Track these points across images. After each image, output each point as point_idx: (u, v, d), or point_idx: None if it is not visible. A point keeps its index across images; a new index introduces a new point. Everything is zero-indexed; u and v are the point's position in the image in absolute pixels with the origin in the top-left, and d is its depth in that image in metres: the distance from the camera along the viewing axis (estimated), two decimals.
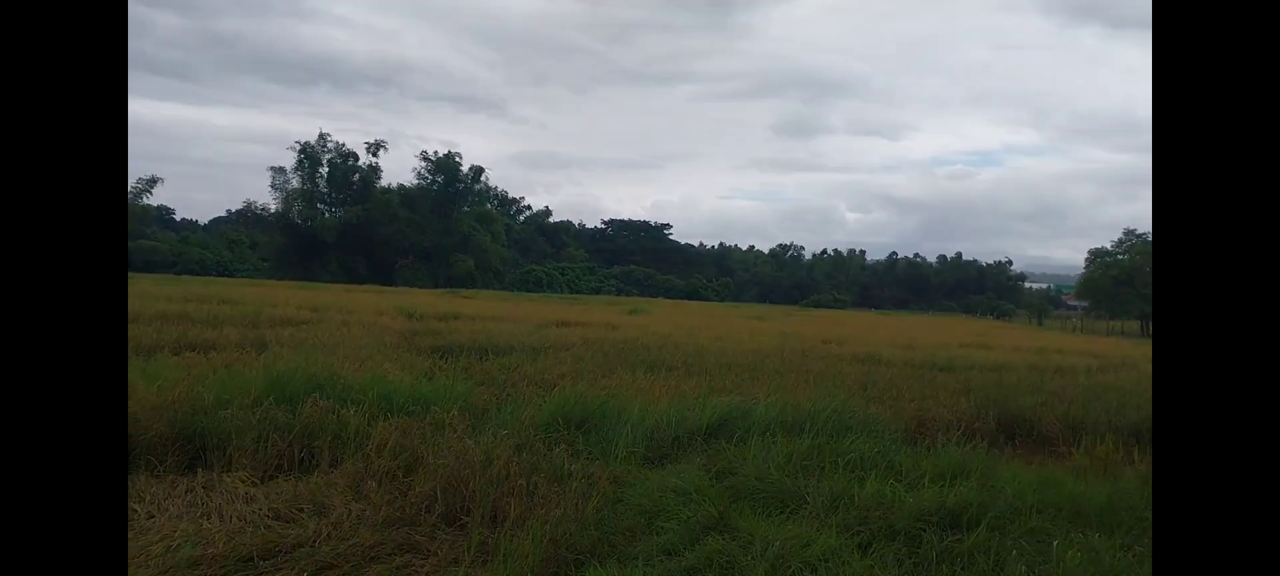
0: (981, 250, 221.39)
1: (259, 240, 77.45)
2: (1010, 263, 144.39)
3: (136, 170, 66.66)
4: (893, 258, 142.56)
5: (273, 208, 74.57)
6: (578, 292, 78.97)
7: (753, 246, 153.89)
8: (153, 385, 7.43)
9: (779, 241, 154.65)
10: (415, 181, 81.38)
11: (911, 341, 23.45)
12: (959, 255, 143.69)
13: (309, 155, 75.42)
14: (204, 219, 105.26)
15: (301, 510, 5.45)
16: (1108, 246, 63.59)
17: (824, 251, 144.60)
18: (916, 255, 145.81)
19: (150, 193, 63.81)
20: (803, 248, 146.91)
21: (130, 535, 4.78)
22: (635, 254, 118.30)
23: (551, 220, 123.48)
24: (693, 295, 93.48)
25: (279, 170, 74.60)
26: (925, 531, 5.23)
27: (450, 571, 4.78)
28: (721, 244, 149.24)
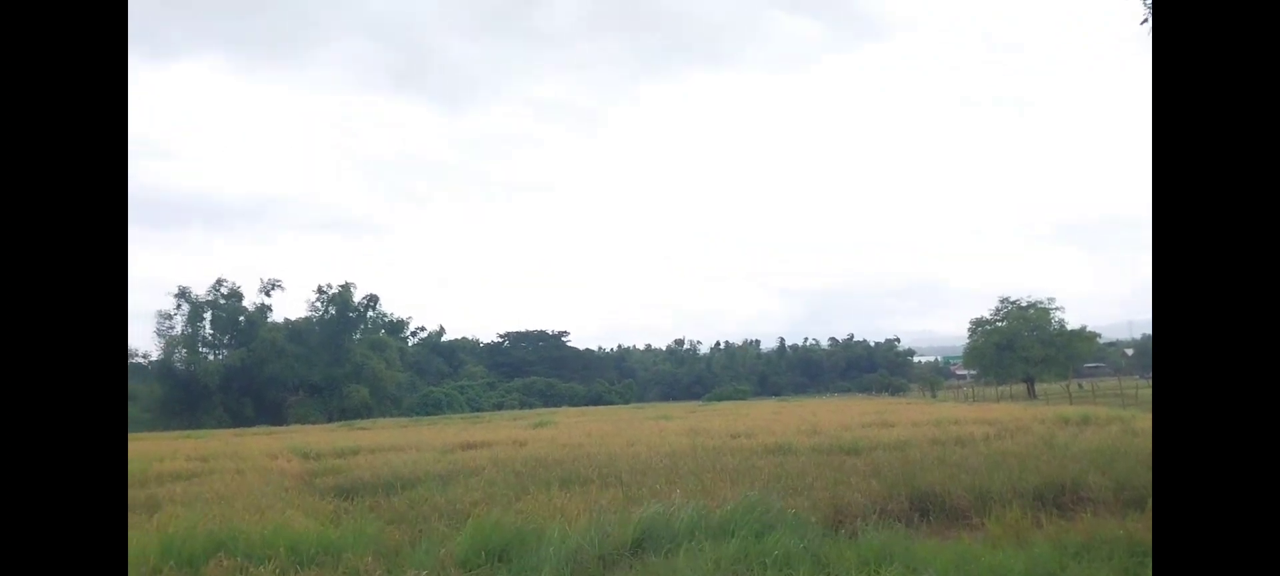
0: (869, 329, 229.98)
1: (137, 391, 73.41)
2: (898, 339, 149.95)
3: None
4: (783, 344, 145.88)
5: (154, 355, 71.45)
6: (479, 410, 77.31)
7: (650, 345, 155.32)
8: None
9: (674, 337, 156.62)
10: (305, 314, 79.36)
11: (815, 426, 23.86)
12: (850, 336, 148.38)
13: (189, 299, 73.09)
14: None
15: None
16: (986, 315, 66.69)
17: (718, 343, 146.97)
18: (807, 339, 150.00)
19: None
20: (698, 341, 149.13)
21: None
22: (535, 364, 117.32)
23: (445, 338, 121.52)
24: (597, 400, 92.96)
25: (165, 315, 72.26)
26: None
27: None
28: (619, 345, 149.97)
